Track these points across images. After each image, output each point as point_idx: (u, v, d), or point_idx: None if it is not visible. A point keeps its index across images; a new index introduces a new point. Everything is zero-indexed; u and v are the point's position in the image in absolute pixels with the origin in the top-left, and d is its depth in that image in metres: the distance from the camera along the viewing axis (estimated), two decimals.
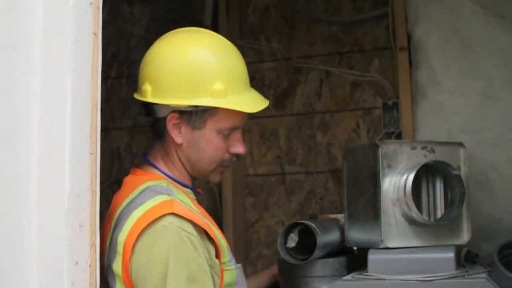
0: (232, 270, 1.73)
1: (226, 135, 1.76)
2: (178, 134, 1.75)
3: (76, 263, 1.34)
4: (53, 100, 1.35)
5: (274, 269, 2.20)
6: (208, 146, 1.75)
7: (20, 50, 1.34)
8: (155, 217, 1.59)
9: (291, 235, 1.94)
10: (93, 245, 1.39)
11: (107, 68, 3.07)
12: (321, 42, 3.03)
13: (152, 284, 1.55)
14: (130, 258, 1.60)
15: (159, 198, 1.66)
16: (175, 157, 1.79)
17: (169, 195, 1.67)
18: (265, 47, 3.11)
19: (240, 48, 3.07)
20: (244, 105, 1.75)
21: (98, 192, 1.42)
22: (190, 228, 1.61)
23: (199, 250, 1.61)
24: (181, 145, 1.76)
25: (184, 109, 1.72)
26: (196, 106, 1.71)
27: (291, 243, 1.93)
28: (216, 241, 1.68)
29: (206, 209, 1.84)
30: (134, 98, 1.84)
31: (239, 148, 1.79)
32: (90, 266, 1.38)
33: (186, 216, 1.60)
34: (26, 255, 1.30)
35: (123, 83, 3.28)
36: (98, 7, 1.46)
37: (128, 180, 1.82)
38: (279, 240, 1.94)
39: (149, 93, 1.75)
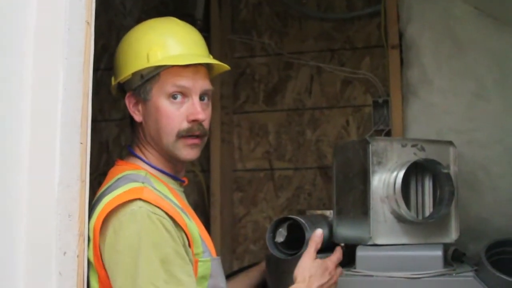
0: (206, 262, 1.70)
1: (177, 102, 1.73)
2: (137, 112, 1.78)
3: (65, 253, 1.33)
4: (45, 89, 1.34)
5: (265, 265, 2.19)
6: (159, 114, 1.73)
7: (13, 38, 1.33)
8: (122, 201, 1.58)
9: (280, 229, 1.94)
10: (81, 235, 1.39)
11: (97, 59, 3.05)
12: (313, 38, 3.03)
13: (124, 269, 1.53)
14: (99, 242, 1.58)
15: (131, 185, 1.65)
16: (144, 139, 1.79)
17: (143, 183, 1.67)
18: (256, 42, 3.11)
19: (232, 43, 3.11)
20: (174, 60, 1.73)
21: (88, 182, 1.42)
22: (161, 212, 1.59)
23: (172, 233, 1.58)
24: (141, 123, 1.78)
25: (135, 86, 1.75)
26: (141, 77, 1.74)
27: (280, 238, 1.92)
28: (185, 229, 1.64)
29: (194, 203, 1.83)
30: None
31: (195, 114, 1.73)
32: (78, 256, 1.37)
33: (153, 202, 1.59)
34: (15, 244, 1.29)
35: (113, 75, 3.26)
36: None
37: (111, 171, 1.81)
38: (268, 235, 1.93)
39: (112, 82, 1.85)
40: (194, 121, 1.73)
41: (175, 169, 1.81)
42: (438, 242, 1.97)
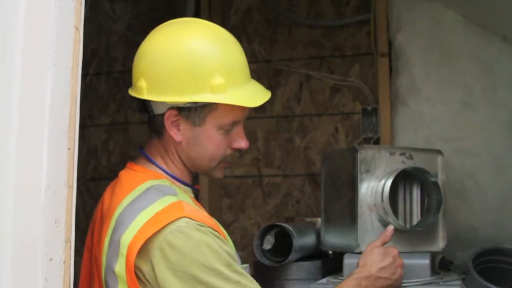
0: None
1: (227, 130, 1.68)
2: (177, 131, 1.67)
3: (51, 259, 1.32)
4: (33, 94, 1.33)
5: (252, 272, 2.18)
6: (209, 143, 1.68)
7: (0, 42, 1.32)
8: (167, 222, 1.53)
9: (267, 237, 1.94)
10: (68, 241, 1.38)
11: (86, 64, 3.04)
12: (303, 45, 3.03)
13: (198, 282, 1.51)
14: (136, 260, 1.53)
15: (167, 200, 1.59)
16: (175, 155, 1.71)
17: (174, 195, 1.62)
18: (246, 49, 3.09)
19: None
20: (246, 99, 1.67)
21: (75, 188, 1.41)
22: (205, 224, 1.57)
23: (222, 239, 1.58)
24: (180, 142, 1.68)
25: (182, 106, 1.64)
26: (195, 102, 1.63)
27: (267, 245, 1.92)
28: (225, 240, 1.63)
29: None
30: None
31: (241, 143, 1.71)
32: (64, 262, 1.36)
33: (197, 219, 1.55)
34: (0, 250, 1.28)
35: (102, 80, 3.25)
36: (81, 2, 1.44)
37: (126, 175, 1.73)
38: (255, 242, 1.93)
39: (144, 90, 1.66)
40: (237, 149, 1.73)
41: (191, 178, 1.79)
42: (426, 250, 1.98)
